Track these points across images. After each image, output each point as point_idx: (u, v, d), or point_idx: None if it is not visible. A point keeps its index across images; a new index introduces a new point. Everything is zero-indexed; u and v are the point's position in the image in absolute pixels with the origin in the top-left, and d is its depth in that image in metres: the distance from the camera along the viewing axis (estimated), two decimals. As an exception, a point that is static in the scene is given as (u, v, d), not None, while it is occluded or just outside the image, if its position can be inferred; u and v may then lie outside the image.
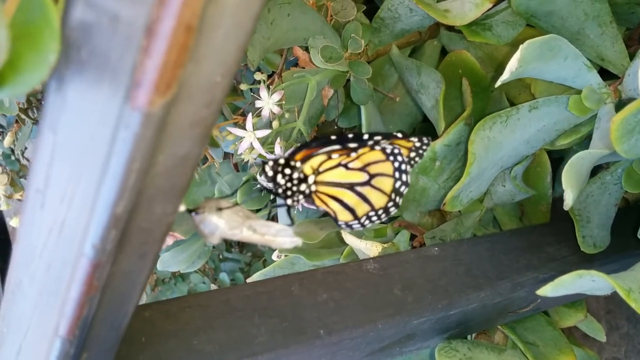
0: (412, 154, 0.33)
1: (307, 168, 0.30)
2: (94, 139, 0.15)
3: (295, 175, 0.30)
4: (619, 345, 0.78)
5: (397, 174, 0.32)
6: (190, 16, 0.12)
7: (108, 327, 0.22)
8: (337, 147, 0.31)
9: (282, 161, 0.30)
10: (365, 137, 0.31)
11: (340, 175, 0.31)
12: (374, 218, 0.33)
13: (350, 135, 0.31)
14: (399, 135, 0.32)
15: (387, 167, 0.32)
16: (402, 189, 0.33)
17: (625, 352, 0.78)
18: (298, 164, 0.30)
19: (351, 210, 0.32)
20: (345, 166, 0.31)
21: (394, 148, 0.32)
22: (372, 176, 0.31)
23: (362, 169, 0.31)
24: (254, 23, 0.15)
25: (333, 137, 0.31)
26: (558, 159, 0.52)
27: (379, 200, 0.32)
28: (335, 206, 0.31)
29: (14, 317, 0.22)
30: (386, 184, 0.32)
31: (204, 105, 0.16)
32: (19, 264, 0.20)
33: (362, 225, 0.33)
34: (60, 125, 0.16)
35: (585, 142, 0.42)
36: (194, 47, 0.13)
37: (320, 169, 0.31)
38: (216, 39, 0.14)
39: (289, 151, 0.32)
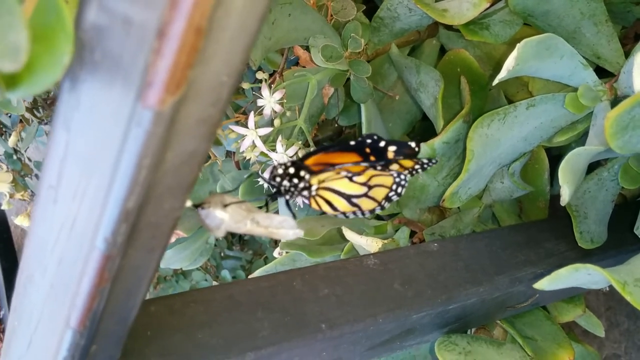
0: (417, 167, 0.34)
1: (314, 180, 0.31)
2: (106, 137, 0.16)
3: (302, 185, 0.30)
4: (619, 342, 0.79)
5: (394, 186, 0.33)
6: (200, 18, 0.13)
7: (116, 320, 0.22)
8: (353, 160, 0.32)
9: (292, 170, 0.30)
10: (382, 144, 0.32)
11: (343, 185, 0.32)
12: (358, 214, 0.34)
13: (369, 141, 0.32)
14: (412, 144, 0.33)
15: (387, 181, 0.33)
16: (394, 198, 0.34)
17: (626, 349, 0.78)
18: (307, 176, 0.30)
19: (341, 212, 0.33)
20: (350, 178, 0.32)
21: (401, 174, 0.33)
22: (370, 187, 0.32)
23: (365, 183, 0.32)
24: (259, 24, 0.15)
25: (352, 143, 0.32)
26: (557, 156, 0.53)
27: (368, 205, 0.33)
28: (327, 209, 0.32)
29: (25, 311, 0.22)
30: (381, 193, 0.33)
31: (210, 104, 0.16)
32: (30, 258, 0.21)
33: (346, 216, 0.34)
34: (73, 124, 0.16)
35: (583, 139, 0.43)
36: (202, 48, 0.14)
37: (326, 180, 0.31)
38: (223, 40, 0.15)
39: (303, 154, 0.33)
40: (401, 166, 0.33)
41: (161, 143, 0.15)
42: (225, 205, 0.22)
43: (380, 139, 0.33)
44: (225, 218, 0.22)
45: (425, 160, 0.34)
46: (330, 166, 0.31)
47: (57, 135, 0.17)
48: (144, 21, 0.14)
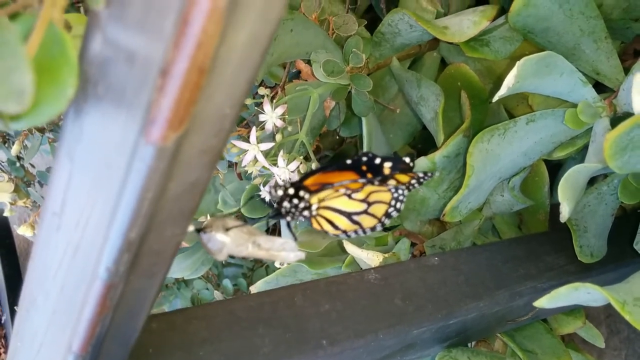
0: (413, 181, 0.34)
1: (314, 199, 0.31)
2: (109, 168, 0.16)
3: (302, 205, 0.31)
4: (619, 349, 0.79)
5: (392, 202, 0.33)
6: (203, 58, 0.13)
7: (118, 342, 0.23)
8: (347, 182, 0.32)
9: (291, 191, 0.31)
10: (378, 161, 0.32)
11: (342, 203, 0.32)
12: (360, 233, 0.34)
13: (365, 159, 0.32)
14: (407, 159, 0.33)
15: (386, 197, 0.33)
16: (394, 214, 0.34)
17: (626, 356, 0.78)
18: (306, 196, 0.31)
19: (342, 231, 0.33)
20: (349, 196, 0.32)
21: (398, 188, 0.33)
22: (370, 204, 0.33)
23: (364, 200, 0.32)
24: (262, 58, 0.16)
25: (348, 161, 0.32)
26: (557, 165, 0.53)
27: (369, 222, 0.34)
28: (328, 228, 0.33)
29: (28, 333, 0.23)
30: (380, 210, 0.33)
31: (213, 135, 0.17)
32: (33, 282, 0.21)
33: (348, 235, 0.34)
34: (77, 154, 0.16)
35: (583, 152, 0.43)
36: (205, 85, 0.14)
37: (326, 198, 0.32)
38: (226, 75, 0.15)
39: (301, 175, 0.34)
40: (398, 181, 0.34)
41: (163, 176, 0.15)
42: (227, 229, 0.22)
43: (375, 156, 0.33)
44: (227, 242, 0.22)
45: (421, 175, 0.34)
46: (329, 185, 0.32)
47: (61, 163, 0.17)
48: (147, 56, 0.14)
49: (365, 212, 0.33)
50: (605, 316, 0.80)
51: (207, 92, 0.15)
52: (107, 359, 0.23)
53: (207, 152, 0.17)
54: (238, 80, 0.16)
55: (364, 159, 0.32)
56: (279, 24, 0.15)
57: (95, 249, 0.17)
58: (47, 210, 0.19)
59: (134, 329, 0.23)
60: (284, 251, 0.23)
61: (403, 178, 0.34)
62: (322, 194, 0.31)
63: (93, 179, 0.16)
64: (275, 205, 0.31)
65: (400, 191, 0.33)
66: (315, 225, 0.32)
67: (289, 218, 0.31)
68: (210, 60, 0.13)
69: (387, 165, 0.33)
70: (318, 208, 0.31)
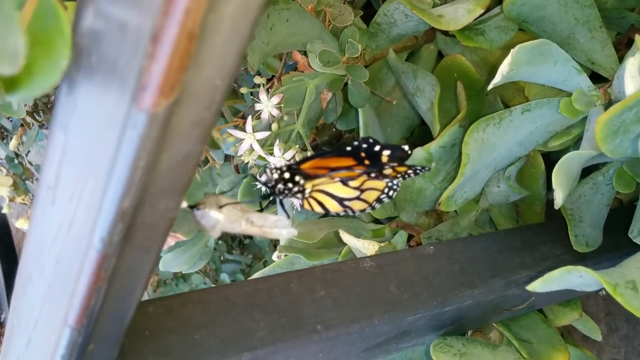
0: (409, 171, 0.34)
1: (309, 184, 0.32)
2: (102, 138, 0.16)
3: (296, 189, 0.31)
4: (618, 347, 0.79)
5: (385, 190, 0.34)
6: (192, 24, 0.13)
7: (113, 319, 0.23)
8: (349, 164, 0.32)
9: (287, 175, 0.31)
10: (377, 148, 0.33)
11: (336, 189, 0.32)
12: (349, 213, 0.34)
13: (364, 145, 0.33)
14: (406, 147, 0.33)
15: (380, 185, 0.33)
16: (385, 200, 0.34)
17: (625, 354, 0.78)
18: (302, 181, 0.31)
19: (332, 213, 0.34)
20: (344, 182, 0.32)
21: (393, 179, 0.33)
22: (363, 191, 0.33)
23: (358, 187, 0.33)
24: (251, 29, 0.16)
25: (348, 148, 0.32)
26: (555, 160, 0.53)
27: (360, 206, 0.34)
28: (318, 209, 0.33)
29: (24, 310, 0.23)
30: (372, 196, 0.34)
31: (204, 107, 0.17)
32: (29, 258, 0.21)
33: (337, 214, 0.34)
34: (70, 126, 0.17)
35: (579, 144, 0.43)
36: (195, 53, 0.15)
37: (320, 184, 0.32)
38: (216, 44, 0.15)
39: (299, 159, 0.34)
40: (395, 171, 0.34)
41: (156, 145, 0.16)
42: (221, 206, 0.22)
43: (375, 142, 0.33)
44: (220, 218, 0.22)
45: (418, 168, 0.35)
46: (326, 170, 0.32)
47: (55, 137, 0.18)
48: (138, 26, 0.14)
49: (357, 197, 0.33)
50: (605, 314, 0.80)
51: (198, 61, 0.15)
52: (102, 336, 0.23)
53: (199, 125, 0.17)
54: (228, 51, 0.16)
55: (364, 145, 0.33)
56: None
57: (89, 221, 0.17)
58: (42, 185, 0.19)
59: (129, 307, 0.23)
60: (276, 228, 0.24)
61: (400, 169, 0.34)
62: (317, 181, 0.31)
63: (87, 150, 0.17)
64: (269, 187, 0.31)
65: (395, 180, 0.34)
66: (305, 205, 0.33)
67: (281, 197, 0.31)
68: (199, 26, 0.14)
69: (386, 153, 0.33)
70: (311, 191, 0.32)
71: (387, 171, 0.33)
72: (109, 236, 0.17)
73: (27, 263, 0.22)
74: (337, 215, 0.34)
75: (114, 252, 0.18)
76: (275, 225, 0.23)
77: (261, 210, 0.25)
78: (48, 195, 0.19)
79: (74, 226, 0.18)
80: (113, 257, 0.18)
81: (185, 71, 0.14)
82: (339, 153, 0.33)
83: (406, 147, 0.34)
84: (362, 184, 0.33)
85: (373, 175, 0.33)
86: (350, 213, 0.34)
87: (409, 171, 0.35)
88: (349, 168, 0.33)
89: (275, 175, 0.30)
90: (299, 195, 0.31)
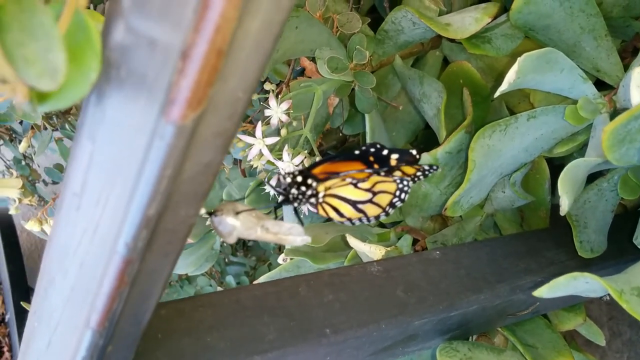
0: (418, 173, 0.35)
1: (321, 187, 0.32)
2: (130, 148, 0.17)
3: (309, 192, 0.32)
4: (621, 352, 0.79)
5: (397, 192, 0.34)
6: (221, 42, 0.14)
7: (132, 322, 0.23)
8: (358, 168, 0.33)
9: (299, 178, 0.32)
10: (385, 152, 0.33)
11: (348, 192, 0.33)
12: (364, 221, 0.35)
13: (373, 150, 0.33)
14: (414, 152, 0.34)
15: (391, 187, 0.34)
16: (398, 204, 0.35)
17: (628, 358, 0.78)
18: (314, 184, 0.32)
19: (347, 218, 0.34)
20: (355, 185, 0.33)
21: (403, 179, 0.34)
22: (375, 194, 0.33)
23: (369, 189, 0.33)
24: (273, 44, 0.17)
25: (357, 152, 0.33)
26: (559, 165, 0.54)
27: (374, 211, 0.35)
28: (334, 215, 0.34)
29: (46, 312, 0.24)
30: (385, 200, 0.34)
31: (227, 118, 0.17)
32: (52, 262, 0.22)
33: (352, 223, 0.35)
34: (99, 135, 0.17)
35: (584, 150, 0.44)
36: (222, 68, 0.15)
37: (332, 187, 0.33)
38: (240, 59, 0.16)
39: (309, 164, 0.34)
40: (403, 173, 0.35)
41: (181, 155, 0.16)
42: (237, 213, 0.23)
43: (383, 147, 0.34)
44: (237, 225, 0.23)
45: (426, 167, 0.35)
46: (336, 174, 0.33)
47: (82, 146, 0.18)
48: (168, 42, 0.15)
49: (370, 201, 0.33)
50: (607, 318, 0.80)
51: (223, 75, 0.16)
52: (121, 338, 0.23)
53: (221, 135, 0.18)
54: (251, 65, 0.16)
55: (372, 149, 0.33)
56: (290, 12, 0.16)
57: (114, 227, 0.18)
58: (67, 191, 0.20)
59: (147, 309, 0.24)
60: (291, 235, 0.24)
61: (409, 170, 0.35)
62: (328, 183, 0.32)
63: (114, 159, 0.17)
64: (282, 192, 0.31)
65: (405, 182, 0.34)
66: (321, 212, 0.33)
67: (295, 204, 0.32)
68: (228, 43, 0.14)
69: (394, 157, 0.34)
70: (324, 196, 0.32)
71: (397, 173, 0.34)
72: (133, 242, 0.18)
73: (50, 266, 0.22)
74: (352, 223, 0.35)
75: (138, 257, 0.19)
76: (290, 233, 0.24)
77: (276, 218, 0.26)
78: (73, 201, 0.19)
79: (98, 231, 0.19)
80: (136, 262, 0.19)
81: (212, 86, 0.15)
82: (348, 157, 0.34)
83: (414, 152, 0.35)
84: (374, 185, 0.34)
85: (383, 174, 0.33)
86: (365, 221, 0.35)
87: (418, 173, 0.35)
88: (358, 171, 0.33)
89: (288, 180, 0.31)
90: (313, 199, 0.32)
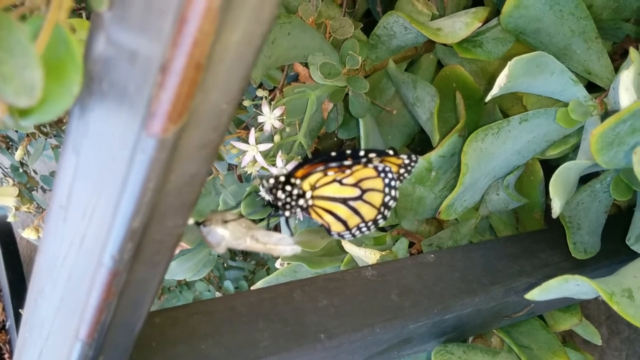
0: (402, 170, 0.35)
1: (306, 184, 0.32)
2: (113, 161, 0.17)
3: (295, 191, 0.32)
4: (620, 350, 0.79)
5: (386, 190, 0.34)
6: (200, 55, 0.14)
7: (123, 331, 0.24)
8: (334, 164, 0.33)
9: (282, 178, 0.32)
10: (362, 153, 0.33)
11: (335, 190, 0.33)
12: (364, 229, 0.35)
13: (348, 152, 0.33)
14: (390, 152, 0.34)
15: (378, 183, 0.34)
16: (391, 203, 0.35)
17: (627, 357, 0.78)
18: (297, 182, 0.32)
19: (343, 222, 0.34)
20: (340, 182, 0.33)
21: (385, 167, 0.34)
22: (363, 191, 0.34)
23: (355, 184, 0.33)
24: (256, 56, 0.17)
25: (333, 154, 0.33)
26: (554, 167, 0.54)
27: (369, 213, 0.35)
28: (329, 219, 0.34)
29: (36, 323, 0.24)
30: (376, 198, 0.34)
31: (211, 129, 0.18)
32: (41, 273, 0.22)
33: (353, 235, 0.35)
34: (82, 148, 0.17)
35: (577, 152, 0.44)
36: (202, 80, 0.15)
37: (317, 185, 0.33)
38: (221, 71, 0.16)
39: (292, 167, 0.35)
40: (384, 162, 0.35)
41: (164, 167, 0.16)
42: (226, 222, 0.23)
43: (358, 149, 0.34)
44: (226, 235, 0.23)
45: (407, 161, 0.35)
46: (317, 169, 0.33)
47: (67, 158, 0.18)
48: (148, 55, 0.15)
49: (360, 198, 0.34)
50: (605, 317, 0.80)
51: (204, 87, 0.16)
52: (112, 348, 0.23)
53: (206, 146, 0.18)
54: (233, 77, 0.17)
55: (348, 152, 0.34)
56: (272, 24, 0.16)
57: (100, 239, 0.18)
58: (54, 203, 0.20)
59: (138, 319, 0.24)
60: (280, 245, 0.24)
61: (392, 160, 0.35)
62: (312, 178, 0.32)
63: (98, 171, 0.17)
64: (271, 198, 0.32)
65: (390, 175, 0.34)
66: (315, 216, 0.33)
67: (287, 213, 0.32)
68: (206, 57, 0.14)
69: (372, 155, 0.34)
70: (312, 197, 0.33)
71: (377, 162, 0.34)
72: (119, 254, 0.18)
73: (39, 277, 0.22)
74: (353, 236, 0.35)
75: (124, 269, 0.19)
76: (279, 243, 0.24)
77: (269, 227, 0.26)
78: (60, 213, 0.19)
79: (85, 244, 0.19)
80: (123, 274, 0.19)
81: (192, 99, 0.15)
82: (326, 159, 0.34)
83: (390, 151, 0.35)
84: (359, 182, 0.34)
85: (363, 162, 0.34)
86: (365, 230, 0.35)
87: (402, 170, 0.35)
88: (338, 164, 0.34)
89: (272, 181, 0.31)
90: (302, 202, 0.32)
